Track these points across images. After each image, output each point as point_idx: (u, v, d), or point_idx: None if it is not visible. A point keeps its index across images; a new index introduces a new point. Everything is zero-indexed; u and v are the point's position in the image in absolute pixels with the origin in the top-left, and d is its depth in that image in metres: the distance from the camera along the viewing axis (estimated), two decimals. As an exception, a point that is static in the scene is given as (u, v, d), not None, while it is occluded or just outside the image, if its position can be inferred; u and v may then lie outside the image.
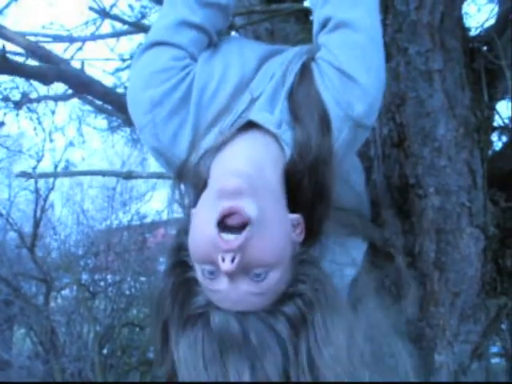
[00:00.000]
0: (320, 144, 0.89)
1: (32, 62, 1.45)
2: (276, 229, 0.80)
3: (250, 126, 0.91)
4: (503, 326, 3.77)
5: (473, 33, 1.77)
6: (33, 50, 1.13)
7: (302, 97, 0.93)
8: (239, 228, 0.76)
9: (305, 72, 0.95)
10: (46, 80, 1.13)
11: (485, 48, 1.62)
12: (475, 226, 1.58)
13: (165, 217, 7.53)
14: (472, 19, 2.66)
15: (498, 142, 2.40)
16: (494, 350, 4.31)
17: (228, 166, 0.86)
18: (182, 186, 0.95)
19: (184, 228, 0.86)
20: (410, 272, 1.56)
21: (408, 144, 1.54)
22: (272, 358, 0.77)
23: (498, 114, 1.76)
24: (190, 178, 0.91)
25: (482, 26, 1.86)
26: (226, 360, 0.76)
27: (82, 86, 1.16)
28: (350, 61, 0.92)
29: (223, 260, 0.75)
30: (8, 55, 1.03)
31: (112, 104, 1.24)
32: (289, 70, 0.96)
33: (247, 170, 0.83)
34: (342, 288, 1.16)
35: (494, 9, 2.07)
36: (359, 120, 0.92)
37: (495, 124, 1.96)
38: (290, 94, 0.95)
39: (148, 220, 7.35)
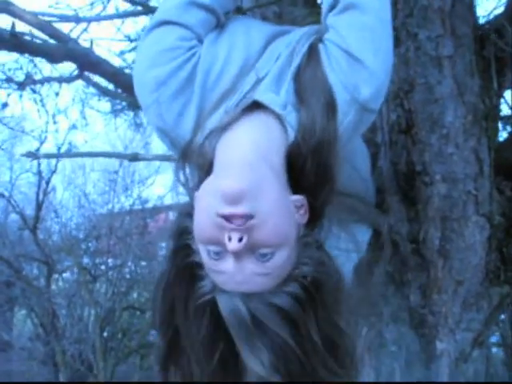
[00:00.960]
0: (324, 127, 0.88)
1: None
2: (280, 210, 0.80)
3: (255, 106, 0.90)
4: (502, 316, 3.78)
5: (482, 20, 1.75)
6: (42, 28, 1.12)
7: (308, 78, 0.92)
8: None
9: (312, 53, 0.94)
10: (55, 58, 1.12)
11: (494, 35, 1.61)
12: (481, 215, 1.57)
13: (167, 202, 7.54)
14: (480, 7, 2.63)
15: (502, 131, 2.38)
16: (493, 339, 4.32)
17: (232, 154, 0.85)
18: (187, 169, 0.94)
19: (187, 211, 0.85)
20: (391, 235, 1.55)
21: (416, 131, 1.53)
22: (282, 337, 0.77)
23: (505, 102, 1.74)
24: (194, 159, 0.90)
25: (490, 13, 1.84)
26: (241, 345, 0.76)
27: (91, 66, 1.15)
28: (358, 43, 0.90)
29: (230, 239, 0.75)
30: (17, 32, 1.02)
31: (120, 84, 1.23)
32: (296, 50, 0.95)
33: (250, 158, 0.82)
34: (347, 273, 1.16)
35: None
36: (365, 103, 0.91)
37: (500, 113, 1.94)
38: (296, 75, 0.93)
39: (150, 205, 7.37)
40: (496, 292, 1.67)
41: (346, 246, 1.03)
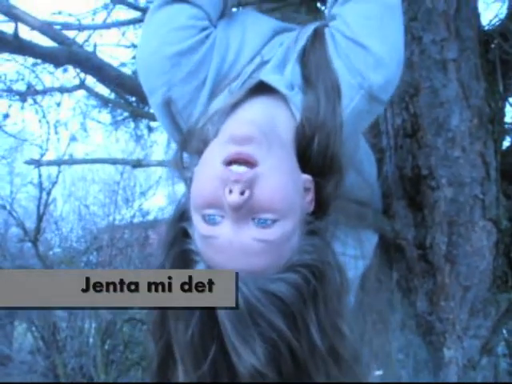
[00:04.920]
0: (329, 110, 0.85)
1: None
2: (287, 177, 0.76)
3: (260, 90, 0.88)
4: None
5: (486, 23, 1.75)
6: (44, 31, 1.12)
7: (313, 60, 0.90)
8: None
9: (317, 36, 0.92)
10: (58, 62, 1.11)
11: (499, 38, 1.60)
12: (488, 219, 1.56)
13: (168, 214, 7.53)
14: (485, 11, 2.63)
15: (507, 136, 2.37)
16: (499, 350, 4.27)
17: (240, 118, 0.83)
18: (185, 154, 0.90)
19: (184, 202, 0.82)
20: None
21: (421, 134, 1.52)
22: (279, 328, 0.71)
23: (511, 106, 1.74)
24: (195, 144, 0.86)
25: (495, 17, 1.83)
26: (234, 335, 0.70)
27: (94, 70, 1.14)
28: (364, 30, 0.88)
29: (230, 192, 0.71)
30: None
31: (124, 88, 1.22)
32: (301, 34, 0.94)
33: (260, 120, 0.80)
34: (354, 279, 1.14)
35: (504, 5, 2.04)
36: (373, 91, 0.88)
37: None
38: (301, 57, 0.91)
39: (151, 217, 7.36)
40: (504, 298, 1.65)
41: (353, 252, 1.01)
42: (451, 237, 1.55)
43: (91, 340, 5.88)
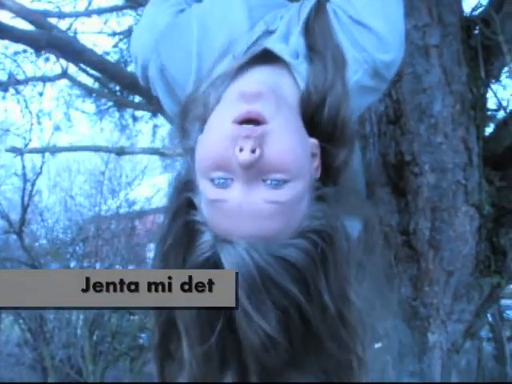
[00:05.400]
0: (337, 76, 0.85)
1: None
2: (296, 136, 0.75)
3: (264, 59, 0.87)
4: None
5: (469, 9, 1.75)
6: (24, 15, 1.09)
7: (318, 30, 0.90)
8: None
9: (320, 8, 0.92)
10: (38, 46, 1.09)
11: (481, 24, 1.60)
12: (470, 205, 1.57)
13: (154, 203, 7.50)
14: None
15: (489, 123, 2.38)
16: (483, 334, 4.34)
17: (247, 79, 0.83)
18: (186, 123, 0.90)
19: (186, 173, 0.81)
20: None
21: (404, 121, 1.52)
22: (291, 293, 0.70)
23: (493, 93, 1.74)
24: (196, 110, 0.85)
25: (478, 4, 1.83)
26: (245, 302, 0.69)
27: (75, 54, 1.12)
28: (366, 10, 0.88)
29: (241, 150, 0.69)
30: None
31: (105, 73, 1.20)
32: (304, 4, 0.93)
33: (267, 80, 0.81)
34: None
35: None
36: (376, 66, 0.87)
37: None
38: (305, 28, 0.91)
39: (137, 207, 7.32)
40: (487, 282, 1.66)
41: None
42: (434, 222, 1.56)
43: (79, 331, 5.86)
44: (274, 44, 0.89)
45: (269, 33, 0.92)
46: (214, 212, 0.74)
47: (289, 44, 0.90)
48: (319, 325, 0.72)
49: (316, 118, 0.83)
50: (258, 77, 0.84)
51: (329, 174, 0.82)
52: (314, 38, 0.89)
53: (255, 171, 0.71)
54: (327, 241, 0.73)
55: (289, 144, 0.73)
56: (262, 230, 0.72)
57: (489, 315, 3.83)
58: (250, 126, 0.71)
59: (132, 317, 6.02)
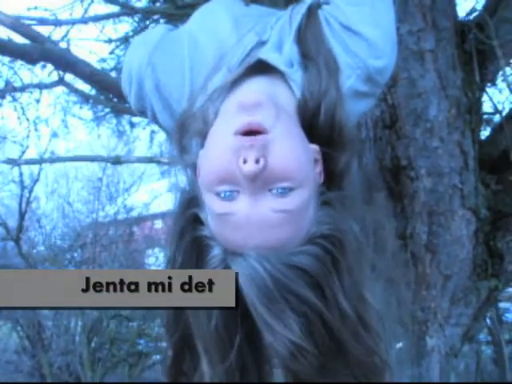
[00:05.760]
0: (331, 80, 0.85)
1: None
2: (297, 144, 0.75)
3: (258, 70, 0.88)
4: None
5: (463, 14, 1.76)
6: (16, 28, 1.09)
7: (310, 37, 0.90)
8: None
9: (311, 15, 0.92)
10: (31, 59, 1.09)
11: (475, 29, 1.61)
12: (467, 208, 1.57)
13: (152, 209, 7.50)
14: (463, 2, 2.65)
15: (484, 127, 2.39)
16: (481, 337, 4.33)
17: (244, 90, 0.83)
18: (184, 139, 0.90)
19: (190, 189, 0.81)
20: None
21: (400, 125, 1.53)
22: (309, 300, 0.70)
23: (489, 97, 1.75)
24: (194, 124, 0.85)
25: (472, 9, 1.84)
26: (264, 313, 0.69)
27: (68, 66, 1.12)
28: (357, 16, 0.88)
29: (245, 161, 0.69)
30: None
31: (98, 84, 1.20)
32: (294, 12, 0.94)
33: (265, 90, 0.81)
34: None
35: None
36: (369, 72, 0.87)
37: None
38: (297, 36, 0.91)
39: (135, 213, 7.32)
40: (484, 286, 1.66)
41: None
42: (431, 226, 1.56)
43: (77, 338, 5.85)
44: (267, 54, 0.89)
45: (261, 43, 0.93)
46: (222, 225, 0.74)
47: (282, 53, 0.91)
48: (340, 328, 0.71)
49: (314, 123, 0.83)
50: (256, 87, 0.85)
51: (332, 178, 0.82)
52: (307, 46, 0.90)
53: (260, 181, 0.71)
54: (337, 245, 0.73)
55: (291, 152, 0.73)
56: (271, 239, 0.71)
57: (487, 318, 3.82)
58: (252, 137, 0.71)
59: (130, 323, 6.01)
